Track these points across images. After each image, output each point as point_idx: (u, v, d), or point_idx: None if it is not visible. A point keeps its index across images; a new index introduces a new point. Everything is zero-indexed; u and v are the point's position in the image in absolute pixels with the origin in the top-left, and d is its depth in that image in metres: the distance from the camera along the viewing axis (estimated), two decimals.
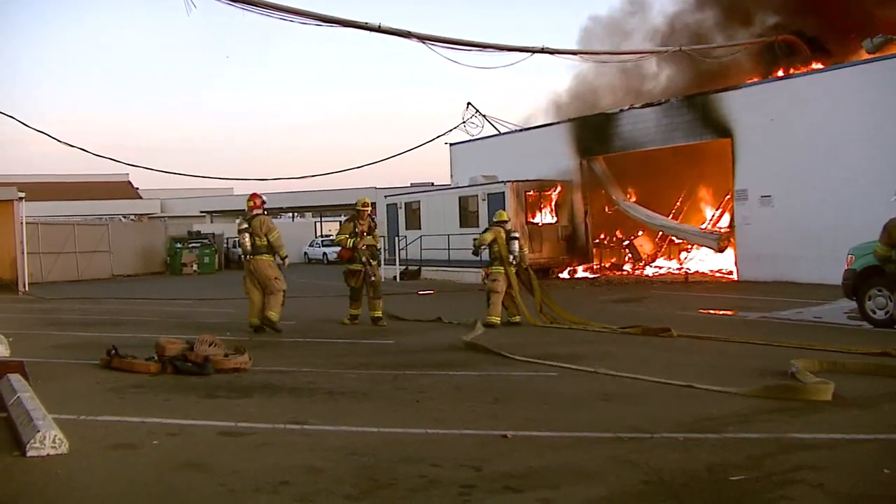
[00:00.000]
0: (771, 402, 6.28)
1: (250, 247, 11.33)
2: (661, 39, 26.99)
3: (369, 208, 12.48)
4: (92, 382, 7.22)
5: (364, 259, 12.18)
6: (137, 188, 59.29)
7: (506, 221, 12.57)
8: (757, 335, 10.24)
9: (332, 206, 51.19)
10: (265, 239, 11.34)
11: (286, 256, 11.59)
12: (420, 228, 26.68)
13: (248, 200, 11.62)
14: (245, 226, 11.43)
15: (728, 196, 21.73)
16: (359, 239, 12.14)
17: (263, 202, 11.65)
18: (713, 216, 23.52)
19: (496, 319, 11.89)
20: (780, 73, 22.63)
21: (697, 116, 21.26)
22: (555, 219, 24.09)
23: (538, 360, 8.45)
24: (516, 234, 12.54)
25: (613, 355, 8.84)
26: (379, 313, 12.15)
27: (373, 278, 12.16)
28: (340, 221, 13.03)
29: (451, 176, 30.23)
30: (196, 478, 4.44)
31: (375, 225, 12.71)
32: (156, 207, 55.25)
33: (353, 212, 12.57)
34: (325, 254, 41.93)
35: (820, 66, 21.90)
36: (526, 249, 12.92)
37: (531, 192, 23.61)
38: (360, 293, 12.28)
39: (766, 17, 25.31)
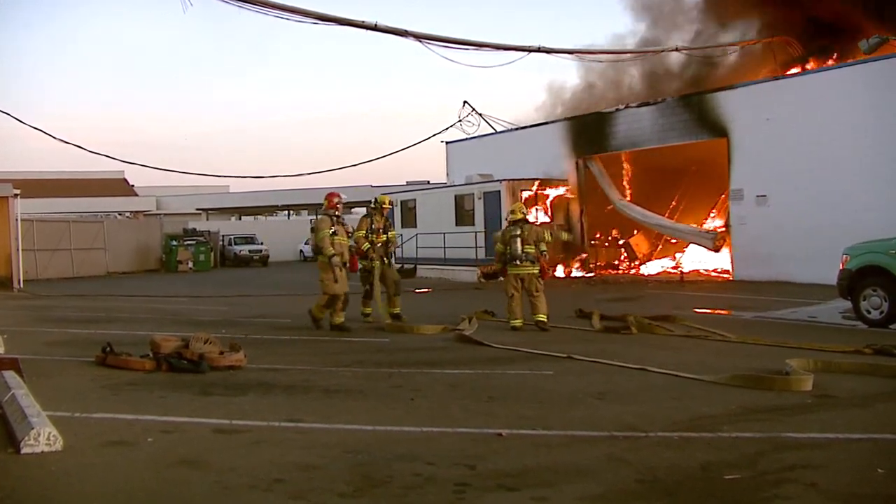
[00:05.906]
0: (764, 402, 6.30)
1: (313, 246, 11.93)
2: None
3: (390, 206, 12.73)
4: (87, 379, 7.20)
5: (376, 256, 12.24)
6: (133, 185, 59.15)
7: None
8: (751, 334, 10.28)
9: None
10: None
11: (331, 256, 11.28)
12: (416, 227, 26.66)
13: (324, 199, 11.90)
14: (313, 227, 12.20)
15: (724, 196, 21.77)
16: (374, 236, 12.25)
17: (339, 203, 11.73)
18: (709, 215, 23.53)
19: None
20: (777, 74, 22.66)
21: (694, 116, 21.27)
22: (550, 218, 24.08)
23: (509, 347, 9.19)
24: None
25: (607, 353, 8.85)
26: (398, 310, 12.26)
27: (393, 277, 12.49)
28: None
29: (448, 174, 30.20)
30: (191, 475, 4.43)
31: (391, 224, 13.01)
32: (151, 205, 55.12)
33: (372, 208, 12.61)
34: None
35: (816, 66, 21.95)
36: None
37: (526, 191, 23.58)
38: (373, 292, 12.23)
39: (762, 17, 25.35)
